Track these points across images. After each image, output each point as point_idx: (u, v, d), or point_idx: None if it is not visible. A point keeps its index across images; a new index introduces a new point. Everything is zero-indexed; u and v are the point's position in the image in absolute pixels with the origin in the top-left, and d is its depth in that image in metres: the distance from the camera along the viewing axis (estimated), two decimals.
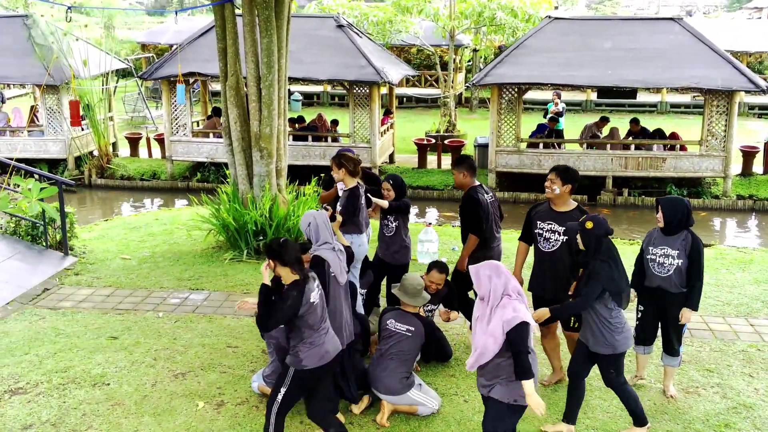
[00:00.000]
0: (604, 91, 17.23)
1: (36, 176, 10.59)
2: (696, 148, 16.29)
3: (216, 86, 25.33)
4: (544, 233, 6.45)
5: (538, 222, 6.50)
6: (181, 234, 11.83)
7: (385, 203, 7.62)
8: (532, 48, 16.69)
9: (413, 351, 6.26)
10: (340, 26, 17.85)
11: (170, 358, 7.30)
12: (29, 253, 10.23)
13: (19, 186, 7.90)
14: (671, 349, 6.49)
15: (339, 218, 6.97)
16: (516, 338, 4.71)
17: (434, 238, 10.24)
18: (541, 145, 16.70)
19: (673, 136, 16.77)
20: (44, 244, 10.53)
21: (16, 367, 7.11)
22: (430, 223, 10.74)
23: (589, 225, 5.63)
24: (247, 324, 8.16)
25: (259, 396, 6.47)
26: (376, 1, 28.81)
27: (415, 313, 6.37)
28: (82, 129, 18.36)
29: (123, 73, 22.82)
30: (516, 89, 16.46)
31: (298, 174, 13.82)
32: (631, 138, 16.81)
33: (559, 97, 20.67)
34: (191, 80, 17.52)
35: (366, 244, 7.76)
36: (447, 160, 18.62)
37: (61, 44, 17.78)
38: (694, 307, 6.25)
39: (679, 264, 6.18)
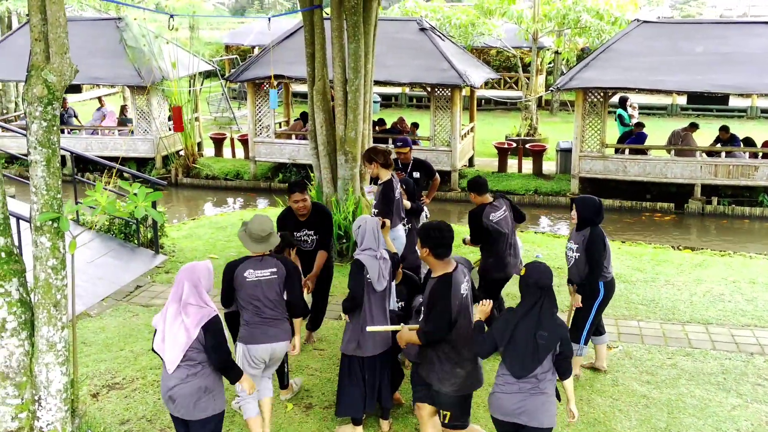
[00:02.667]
0: (693, 97, 16.71)
1: (127, 175, 10.95)
2: None
3: (298, 87, 25.71)
4: None
5: None
6: None
7: (407, 203, 8.01)
8: (619, 52, 16.33)
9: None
10: (423, 29, 17.86)
11: None
12: (122, 251, 10.60)
13: (120, 187, 8.22)
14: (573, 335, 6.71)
15: (387, 224, 7.15)
16: None
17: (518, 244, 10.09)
18: (626, 151, 16.33)
19: (766, 145, 16.15)
20: (136, 242, 10.89)
21: (112, 363, 7.37)
22: None
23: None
24: (332, 327, 8.24)
25: None
26: (455, 1, 28.69)
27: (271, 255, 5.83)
28: (170, 129, 18.89)
29: (207, 74, 23.34)
30: (601, 93, 16.14)
31: None
32: (719, 146, 16.28)
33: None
34: (276, 83, 17.79)
35: (402, 237, 7.77)
36: (528, 165, 18.40)
37: (152, 47, 18.31)
38: (582, 292, 6.64)
39: (577, 257, 6.63)
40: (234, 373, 5.04)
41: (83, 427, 5.57)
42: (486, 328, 5.11)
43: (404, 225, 8.13)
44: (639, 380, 7.07)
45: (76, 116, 20.32)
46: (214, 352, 4.79)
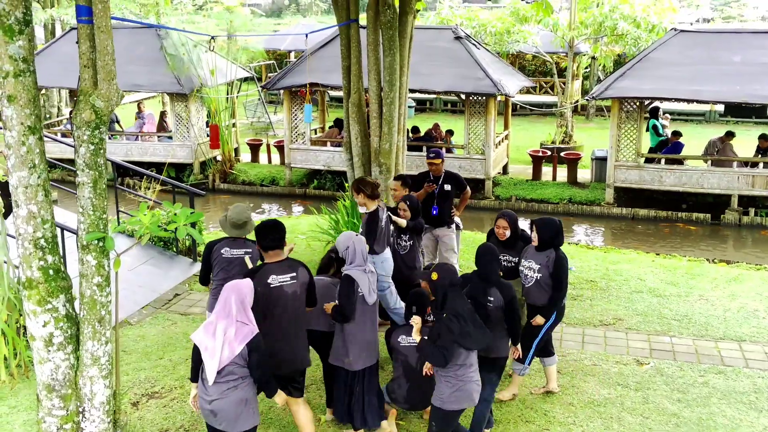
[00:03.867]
0: (731, 105, 16.56)
1: (162, 181, 11.21)
2: None
3: (335, 92, 25.91)
4: None
5: None
6: (300, 244, 12.21)
7: (403, 222, 8.04)
8: (656, 61, 16.25)
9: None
10: (458, 38, 17.92)
11: None
12: (161, 259, 10.85)
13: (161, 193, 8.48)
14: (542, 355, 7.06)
15: None
16: None
17: None
18: (662, 161, 16.24)
19: None
20: (174, 250, 11.15)
21: (152, 371, 7.58)
22: None
23: None
24: None
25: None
26: (492, 2, 28.64)
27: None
28: (207, 135, 19.18)
29: (244, 78, 23.61)
30: (637, 102, 16.08)
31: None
32: (759, 155, 16.11)
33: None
34: (311, 90, 17.99)
35: (390, 260, 7.84)
36: (563, 173, 18.37)
37: (191, 55, 18.63)
38: (545, 315, 6.72)
39: (538, 277, 6.69)
40: (271, 388, 5.27)
41: None
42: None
43: (406, 241, 8.20)
44: (670, 398, 7.09)
45: (118, 122, 20.73)
46: (258, 368, 5.03)
